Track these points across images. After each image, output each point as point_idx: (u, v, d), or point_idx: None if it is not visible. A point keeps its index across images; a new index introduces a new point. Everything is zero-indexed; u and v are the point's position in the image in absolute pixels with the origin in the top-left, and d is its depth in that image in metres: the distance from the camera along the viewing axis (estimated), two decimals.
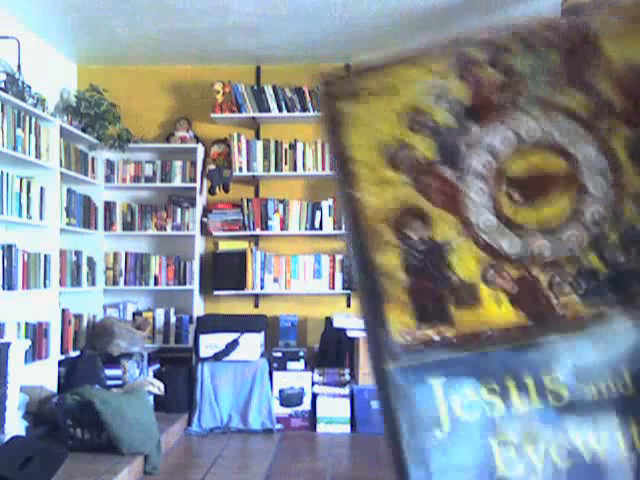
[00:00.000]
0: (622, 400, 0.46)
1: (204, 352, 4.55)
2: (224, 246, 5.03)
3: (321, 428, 4.51)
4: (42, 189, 4.13)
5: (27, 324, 3.97)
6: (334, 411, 4.54)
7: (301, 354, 4.68)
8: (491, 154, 0.41)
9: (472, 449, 0.37)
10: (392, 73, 0.42)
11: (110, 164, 5.02)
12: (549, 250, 0.41)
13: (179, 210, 5.00)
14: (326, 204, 4.94)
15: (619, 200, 0.47)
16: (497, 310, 0.40)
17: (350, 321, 4.63)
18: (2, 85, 3.75)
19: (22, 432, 3.41)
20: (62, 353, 4.27)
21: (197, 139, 5.06)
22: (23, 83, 3.93)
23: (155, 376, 4.50)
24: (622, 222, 0.48)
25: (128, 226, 5.03)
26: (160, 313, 4.96)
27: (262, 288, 4.96)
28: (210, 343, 4.55)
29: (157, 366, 4.71)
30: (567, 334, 0.43)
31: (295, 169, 4.94)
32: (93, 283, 4.87)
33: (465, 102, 0.41)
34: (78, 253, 4.68)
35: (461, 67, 0.42)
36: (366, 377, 4.51)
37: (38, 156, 4.04)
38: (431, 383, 0.39)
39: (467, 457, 0.38)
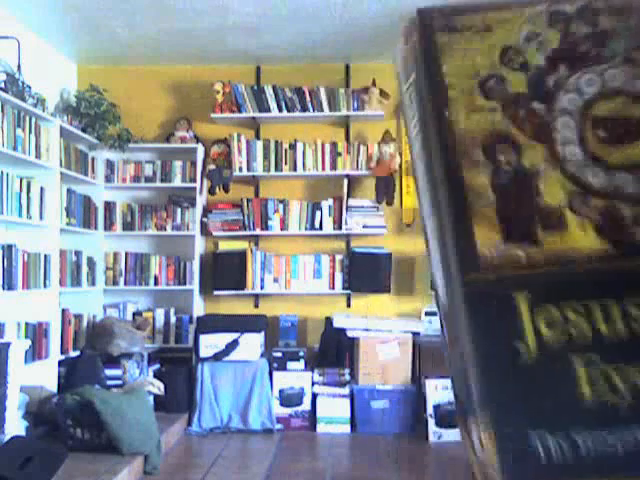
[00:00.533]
0: None
1: (204, 352, 4.55)
2: (224, 246, 5.03)
3: (321, 428, 4.52)
4: (42, 189, 4.13)
5: (27, 324, 3.97)
6: (334, 411, 4.54)
7: (301, 354, 4.68)
8: (577, 92, 0.44)
9: (555, 365, 0.39)
10: (487, 14, 0.45)
11: (110, 164, 5.02)
12: (632, 185, 0.42)
13: (179, 210, 5.00)
14: (326, 204, 4.94)
15: None
16: (582, 236, 0.42)
17: (350, 321, 4.63)
18: (2, 85, 3.75)
19: (22, 432, 3.41)
20: (62, 353, 4.28)
21: (197, 139, 5.06)
22: (23, 83, 3.93)
23: (155, 376, 4.50)
24: None
25: (128, 226, 5.04)
26: (160, 313, 4.96)
27: (262, 288, 4.96)
28: (210, 343, 4.55)
29: (157, 366, 4.72)
30: None
31: (295, 169, 4.94)
32: (93, 283, 4.87)
33: (554, 45, 0.45)
34: (78, 253, 4.68)
35: (551, 16, 0.45)
36: (366, 377, 4.51)
37: (38, 156, 4.04)
38: (515, 296, 0.40)
39: (550, 373, 0.39)
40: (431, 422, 4.30)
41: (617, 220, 0.43)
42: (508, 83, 0.45)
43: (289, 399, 4.60)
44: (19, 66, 3.98)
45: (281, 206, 4.98)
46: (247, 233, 4.99)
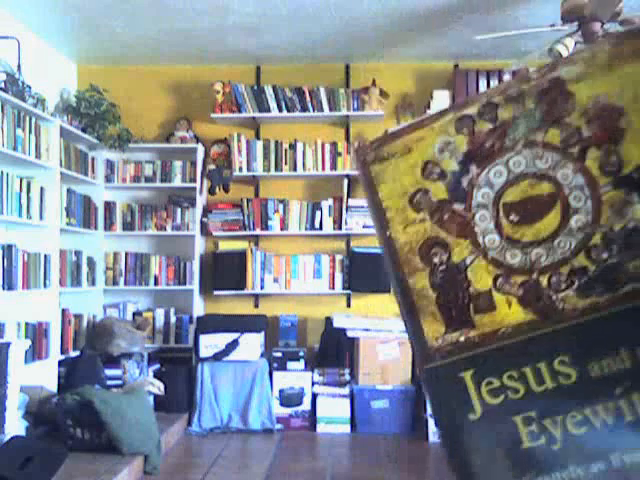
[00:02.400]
0: (623, 374, 0.56)
1: (204, 352, 4.55)
2: (224, 246, 5.03)
3: (321, 428, 4.52)
4: (42, 189, 4.13)
5: (27, 324, 3.97)
6: (334, 411, 4.54)
7: (301, 354, 4.68)
8: (488, 186, 0.53)
9: (502, 427, 0.47)
10: (406, 137, 0.54)
11: (110, 164, 5.02)
12: (544, 256, 0.53)
13: (179, 210, 5.01)
14: (326, 204, 4.94)
15: (597, 208, 0.55)
16: (509, 311, 0.53)
17: (350, 321, 4.63)
18: (2, 85, 3.75)
19: (22, 432, 3.41)
20: (62, 353, 4.28)
21: (197, 139, 5.06)
22: (23, 83, 3.93)
23: (155, 376, 4.50)
24: (602, 226, 0.59)
25: (128, 226, 5.04)
26: (160, 313, 4.97)
27: (262, 288, 4.96)
28: (210, 343, 4.55)
29: (157, 366, 4.72)
30: (568, 323, 0.52)
31: (295, 169, 4.94)
32: (93, 283, 4.87)
33: (464, 149, 0.56)
34: (78, 253, 4.68)
35: (457, 122, 0.53)
36: (366, 377, 4.51)
37: (38, 156, 4.04)
38: (462, 375, 0.48)
39: (498, 435, 0.47)
40: (431, 422, 4.30)
41: (536, 291, 0.52)
42: (431, 193, 0.55)
43: (289, 399, 4.60)
44: (19, 66, 3.98)
45: (281, 206, 4.98)
46: (247, 233, 4.99)
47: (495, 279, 0.53)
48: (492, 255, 0.53)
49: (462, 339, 0.50)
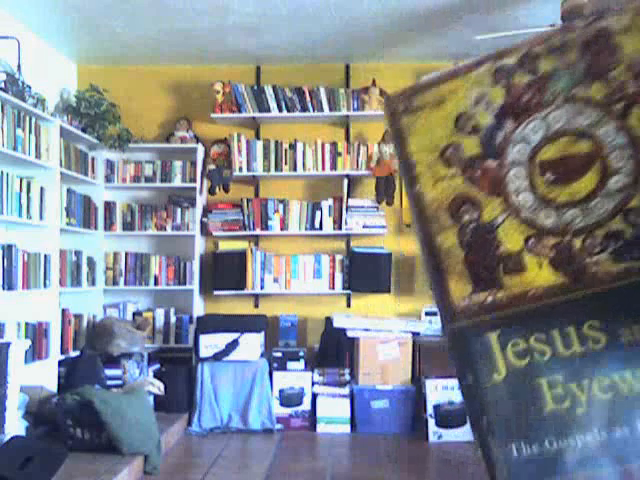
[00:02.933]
0: None
1: (204, 352, 4.55)
2: (224, 246, 5.03)
3: (321, 428, 4.52)
4: (42, 189, 4.13)
5: (27, 324, 3.97)
6: (334, 411, 4.54)
7: (301, 354, 4.68)
8: (524, 142, 0.52)
9: (525, 389, 0.46)
10: (439, 87, 0.51)
11: (110, 164, 5.02)
12: (580, 218, 0.49)
13: (179, 210, 5.00)
14: (326, 204, 4.94)
15: (637, 170, 0.51)
16: (539, 272, 0.51)
17: (350, 321, 4.63)
18: (2, 85, 3.75)
19: (22, 432, 3.41)
20: (62, 353, 4.28)
21: (197, 139, 5.06)
22: (23, 83, 3.93)
23: (155, 376, 4.50)
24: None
25: (128, 226, 5.04)
26: (160, 313, 4.96)
27: (262, 288, 4.96)
28: (210, 343, 4.55)
29: (157, 366, 4.71)
30: (600, 287, 0.50)
31: (295, 169, 4.94)
32: (93, 283, 4.87)
33: (500, 102, 0.52)
34: (78, 253, 4.68)
35: (494, 73, 0.52)
36: (366, 377, 4.51)
37: (38, 156, 4.04)
38: (488, 336, 0.47)
39: (522, 396, 0.46)
40: (431, 422, 4.30)
41: (569, 254, 0.49)
42: (464, 148, 0.52)
43: (289, 399, 4.60)
44: (19, 66, 3.98)
45: (281, 206, 4.98)
46: (247, 233, 4.99)
47: (527, 240, 0.51)
48: (525, 215, 0.50)
49: (489, 300, 0.50)
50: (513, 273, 0.49)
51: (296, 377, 4.62)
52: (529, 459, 0.46)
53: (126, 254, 5.02)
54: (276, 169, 4.96)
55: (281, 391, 4.60)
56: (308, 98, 4.91)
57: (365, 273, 4.86)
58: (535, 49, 0.50)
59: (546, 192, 0.49)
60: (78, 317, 4.60)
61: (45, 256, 4.12)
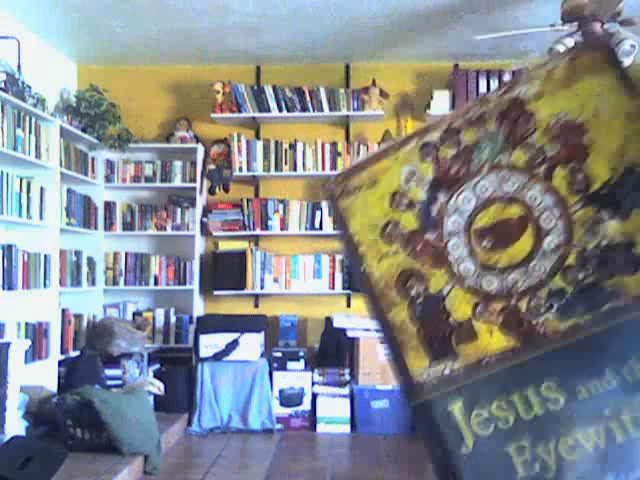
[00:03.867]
0: (611, 394, 0.54)
1: (204, 352, 4.55)
2: (224, 246, 5.03)
3: (321, 428, 4.52)
4: (42, 189, 4.13)
5: (27, 324, 3.97)
6: (334, 411, 4.54)
7: (301, 354, 4.68)
8: (458, 213, 0.54)
9: (494, 458, 0.45)
10: (372, 167, 0.52)
11: (110, 164, 5.02)
12: (521, 280, 0.51)
13: (179, 210, 5.00)
14: (326, 204, 4.94)
15: (569, 227, 0.52)
16: (491, 338, 0.51)
17: (350, 321, 4.63)
18: (2, 85, 3.75)
19: (22, 432, 3.41)
20: (62, 353, 4.28)
21: (197, 139, 5.06)
22: (23, 83, 3.93)
23: (155, 376, 4.50)
24: (575, 245, 0.57)
25: (128, 226, 5.04)
26: (160, 313, 4.96)
27: (262, 288, 4.96)
28: (210, 343, 4.55)
29: (157, 366, 4.71)
30: (550, 347, 0.50)
31: (295, 169, 4.94)
32: (93, 283, 4.87)
33: (430, 176, 0.54)
34: (78, 253, 4.68)
35: (421, 149, 0.53)
36: (366, 377, 4.51)
37: (38, 156, 4.04)
38: (451, 409, 0.47)
39: (492, 465, 0.45)
40: None
41: (516, 316, 0.50)
42: (402, 224, 0.53)
43: (289, 399, 4.60)
44: (19, 66, 3.98)
45: (281, 206, 4.98)
46: (247, 233, 4.99)
47: (474, 307, 0.52)
48: (469, 283, 0.52)
49: (447, 372, 0.49)
50: (466, 342, 0.51)
51: (296, 377, 4.62)
52: None
53: (126, 254, 5.02)
54: (276, 169, 4.96)
55: (281, 391, 4.60)
56: (308, 98, 4.91)
57: None
58: (455, 124, 0.53)
59: (486, 259, 0.51)
60: (78, 317, 4.60)
61: (45, 256, 4.12)
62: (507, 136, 0.53)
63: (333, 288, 4.95)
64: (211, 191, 5.00)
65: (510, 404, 0.47)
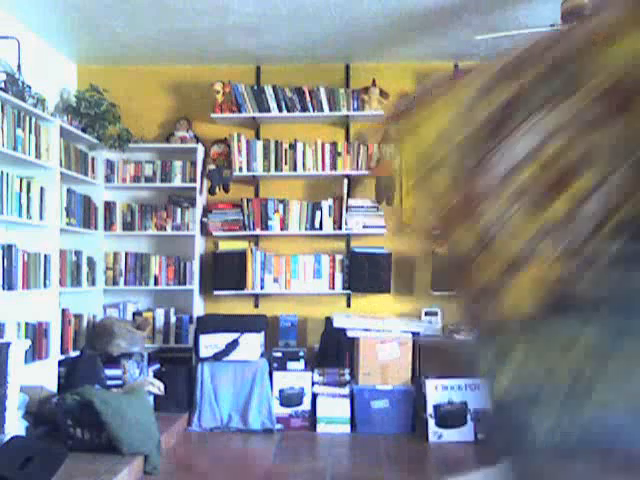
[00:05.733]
0: None
1: (204, 352, 4.55)
2: (224, 246, 5.03)
3: (321, 428, 4.51)
4: (42, 189, 4.13)
5: (27, 324, 3.97)
6: (334, 411, 4.54)
7: (301, 354, 4.68)
8: (504, 165, 0.52)
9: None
10: (421, 109, 0.55)
11: (110, 164, 5.02)
12: (558, 244, 0.51)
13: (179, 210, 5.00)
14: (326, 204, 4.94)
15: (621, 188, 0.51)
16: (521, 297, 0.52)
17: (350, 321, 4.63)
18: (2, 85, 3.75)
19: (22, 432, 3.41)
20: (62, 353, 4.28)
21: (197, 139, 5.06)
22: (23, 83, 3.93)
23: (155, 376, 4.50)
24: (620, 208, 0.52)
25: (128, 226, 5.04)
26: (160, 313, 4.96)
27: (262, 288, 4.96)
28: (210, 343, 4.55)
29: (157, 366, 4.71)
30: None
31: (295, 169, 4.94)
32: (93, 283, 4.87)
33: (481, 118, 0.53)
34: (78, 253, 4.68)
35: (474, 91, 0.53)
36: (366, 377, 4.51)
37: (38, 156, 4.04)
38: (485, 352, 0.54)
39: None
40: (431, 422, 4.30)
41: (549, 279, 0.51)
42: (448, 164, 0.54)
43: (289, 399, 4.60)
44: (19, 66, 3.98)
45: (281, 206, 4.98)
46: (247, 233, 4.99)
47: (515, 261, 0.54)
48: (504, 243, 0.54)
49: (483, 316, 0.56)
50: (493, 297, 0.53)
51: (296, 377, 4.62)
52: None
53: (126, 254, 5.02)
54: (276, 169, 4.96)
55: (281, 391, 4.60)
56: (308, 98, 4.91)
57: (365, 273, 4.86)
58: (511, 65, 0.52)
59: (527, 218, 0.51)
60: (78, 317, 4.60)
61: (45, 256, 4.13)
62: (564, 82, 0.52)
63: (333, 288, 4.95)
64: (211, 191, 5.00)
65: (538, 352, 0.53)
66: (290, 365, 4.65)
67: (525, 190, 0.53)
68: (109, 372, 4.25)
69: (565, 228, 0.50)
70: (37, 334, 4.01)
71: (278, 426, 4.51)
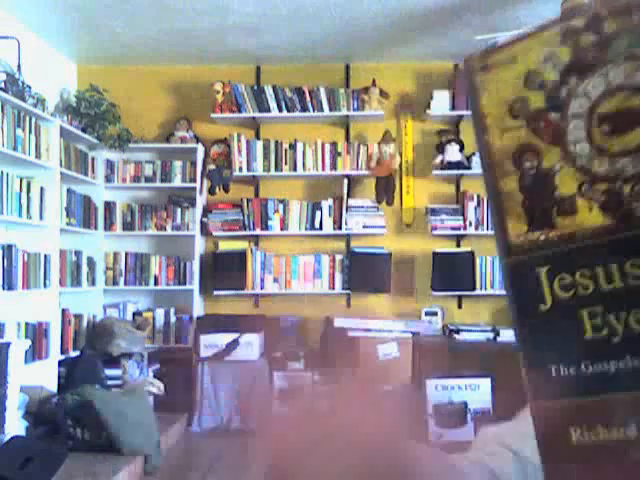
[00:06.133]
0: None
1: (204, 352, 4.55)
2: (224, 246, 5.03)
3: None
4: (42, 189, 4.13)
5: (27, 324, 3.97)
6: None
7: (301, 354, 4.67)
8: (586, 97, 0.55)
9: (567, 318, 0.52)
10: (512, 47, 0.57)
11: (110, 164, 5.02)
12: (630, 166, 0.53)
13: (179, 210, 5.00)
14: (326, 204, 4.94)
15: None
16: (589, 215, 0.54)
17: (350, 321, 4.63)
18: (2, 85, 3.75)
19: (22, 432, 3.40)
20: (62, 353, 4.28)
21: (197, 139, 5.06)
22: (23, 83, 3.93)
23: (155, 376, 4.50)
24: None
25: (128, 226, 5.04)
26: (160, 313, 4.96)
27: (262, 288, 4.96)
28: (210, 343, 4.55)
29: (157, 366, 4.71)
30: None
31: (295, 169, 4.94)
32: (93, 283, 4.87)
33: (566, 60, 0.55)
34: (78, 253, 4.68)
35: (563, 34, 0.56)
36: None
37: (38, 156, 4.04)
38: (538, 271, 0.54)
39: (564, 325, 0.53)
40: (431, 422, 4.30)
41: (618, 198, 0.54)
42: (530, 102, 0.56)
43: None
44: (19, 66, 3.98)
45: (281, 206, 4.98)
46: (247, 233, 4.99)
47: (580, 185, 0.56)
48: (581, 163, 0.55)
49: (542, 238, 0.55)
50: (565, 215, 0.55)
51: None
52: (564, 379, 0.52)
53: (126, 254, 5.02)
54: (276, 169, 4.95)
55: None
56: (308, 98, 4.91)
57: (365, 273, 4.86)
58: (602, 11, 0.55)
59: (601, 142, 0.55)
60: (78, 317, 4.60)
61: (45, 256, 4.12)
62: None
63: (333, 288, 4.95)
64: (211, 191, 5.00)
65: (594, 274, 0.53)
66: (290, 365, 4.65)
67: (610, 116, 0.57)
68: (109, 372, 4.25)
69: None
70: (37, 334, 4.01)
71: None
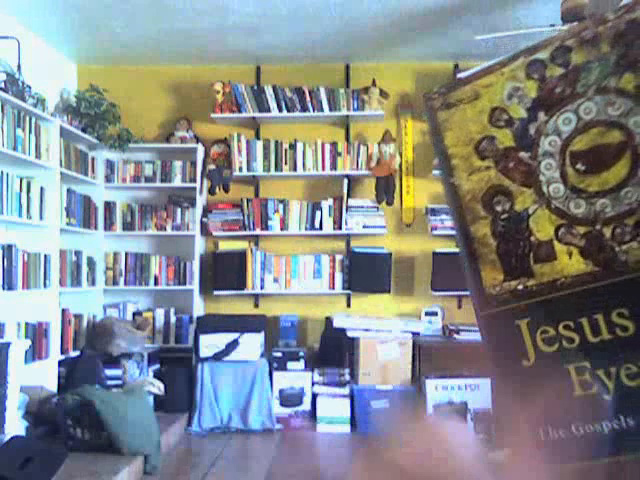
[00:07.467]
0: None
1: (204, 352, 4.55)
2: (224, 246, 5.03)
3: (321, 428, 4.51)
4: (42, 189, 4.13)
5: (27, 324, 3.97)
6: (334, 411, 4.54)
7: (301, 354, 4.68)
8: (556, 134, 0.52)
9: (553, 374, 0.49)
10: (475, 83, 0.54)
11: (110, 164, 5.02)
12: (610, 207, 0.50)
13: (179, 210, 5.00)
14: (326, 204, 4.94)
15: None
16: (569, 261, 0.50)
17: (350, 321, 4.63)
18: (2, 85, 3.75)
19: (22, 432, 3.41)
20: (62, 353, 4.28)
21: (197, 139, 5.06)
22: (23, 83, 3.93)
23: (155, 376, 4.50)
24: None
25: (128, 226, 5.04)
26: (160, 313, 4.96)
27: (262, 288, 4.96)
28: (210, 343, 4.55)
29: (157, 366, 4.71)
30: (629, 276, 0.50)
31: (295, 169, 4.94)
32: (93, 283, 4.87)
33: (533, 95, 0.52)
34: (78, 253, 4.68)
35: (528, 67, 0.53)
36: (366, 377, 4.51)
37: (38, 156, 4.04)
38: (518, 323, 0.50)
39: (549, 382, 0.49)
40: None
41: (599, 242, 0.51)
42: (497, 141, 0.54)
43: (289, 399, 4.60)
44: (19, 66, 3.98)
45: (281, 206, 4.98)
46: (247, 233, 4.99)
47: (557, 229, 0.52)
48: (555, 204, 0.52)
49: (520, 287, 0.51)
50: (543, 261, 0.51)
51: (296, 377, 4.62)
52: (555, 443, 0.48)
53: (126, 254, 5.02)
54: (276, 169, 4.95)
55: (281, 391, 4.60)
56: (308, 98, 4.91)
57: (365, 273, 4.86)
58: (567, 42, 0.52)
59: (576, 182, 0.51)
60: (78, 317, 4.60)
61: (45, 256, 4.12)
62: (619, 59, 0.52)
63: (333, 288, 4.95)
64: (211, 191, 5.00)
65: (578, 326, 0.49)
66: (290, 365, 4.65)
67: (584, 154, 0.54)
68: (109, 372, 4.25)
69: (620, 192, 0.51)
70: (37, 334, 4.01)
71: (278, 426, 4.51)
